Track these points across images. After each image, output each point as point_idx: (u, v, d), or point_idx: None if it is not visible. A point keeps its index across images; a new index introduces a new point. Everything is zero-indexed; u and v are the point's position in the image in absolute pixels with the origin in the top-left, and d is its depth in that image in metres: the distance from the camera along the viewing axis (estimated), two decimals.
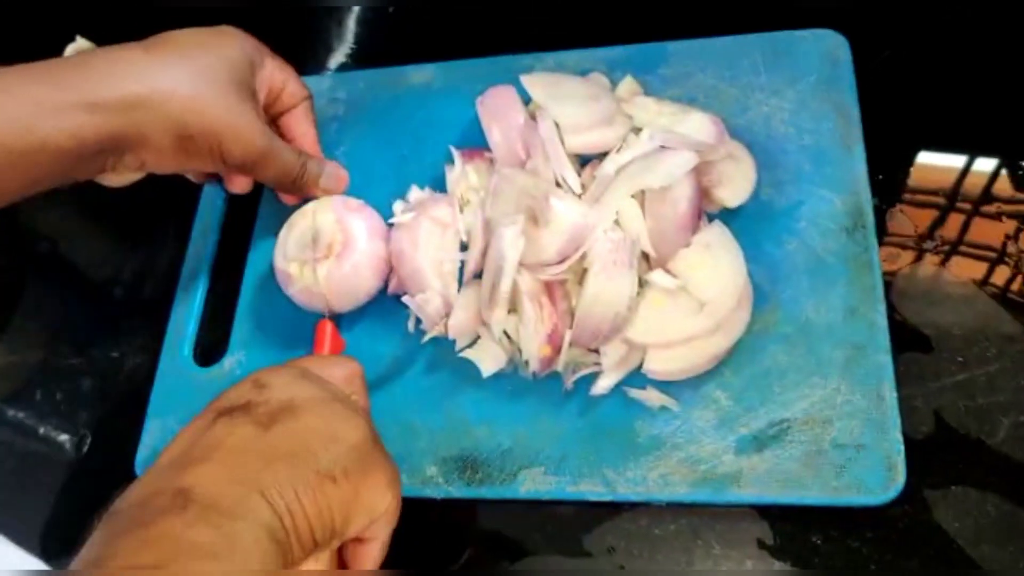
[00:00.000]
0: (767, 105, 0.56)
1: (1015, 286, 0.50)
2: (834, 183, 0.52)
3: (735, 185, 0.52)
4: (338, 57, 0.70)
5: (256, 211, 0.61)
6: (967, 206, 0.53)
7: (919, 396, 0.48)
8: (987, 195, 0.53)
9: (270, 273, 0.56)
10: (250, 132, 0.50)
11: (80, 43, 0.73)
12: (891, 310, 0.49)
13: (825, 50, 0.56)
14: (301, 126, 0.58)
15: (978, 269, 0.51)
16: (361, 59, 0.69)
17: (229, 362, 0.56)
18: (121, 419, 0.57)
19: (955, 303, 0.49)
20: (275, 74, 0.55)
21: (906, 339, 0.49)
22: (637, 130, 0.53)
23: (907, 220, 0.53)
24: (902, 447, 0.45)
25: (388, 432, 0.50)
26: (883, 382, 0.46)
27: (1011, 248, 0.51)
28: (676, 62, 0.59)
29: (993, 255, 0.51)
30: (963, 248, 0.52)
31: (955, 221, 0.53)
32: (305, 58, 0.70)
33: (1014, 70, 0.56)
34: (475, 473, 0.49)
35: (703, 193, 0.51)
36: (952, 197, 0.54)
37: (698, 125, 0.51)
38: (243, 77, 0.51)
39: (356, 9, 0.71)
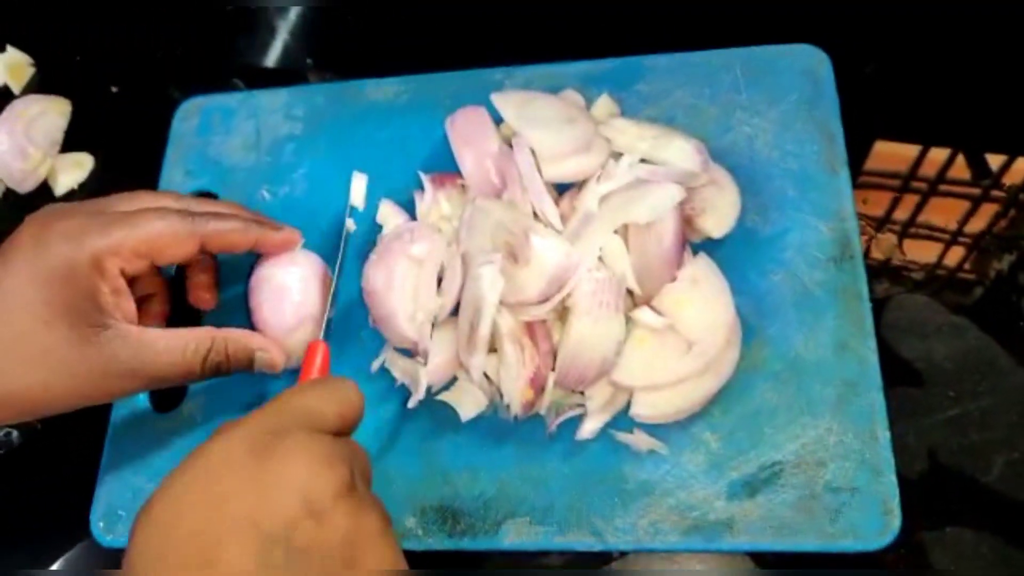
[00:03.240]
0: (749, 125, 0.53)
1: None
2: (820, 209, 0.50)
3: (719, 214, 0.50)
4: (296, 71, 0.65)
5: None
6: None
7: (911, 433, 0.47)
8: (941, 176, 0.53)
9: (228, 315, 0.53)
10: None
11: (12, 54, 0.68)
12: (880, 342, 0.48)
13: (806, 67, 0.54)
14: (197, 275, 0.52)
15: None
16: (319, 73, 0.65)
17: (188, 407, 0.53)
18: (74, 472, 0.53)
19: (945, 335, 0.48)
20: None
21: (896, 373, 0.48)
22: (616, 155, 0.50)
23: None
24: (897, 490, 0.44)
25: None
26: (876, 421, 0.45)
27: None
28: (653, 78, 0.56)
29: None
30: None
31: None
32: (258, 71, 0.66)
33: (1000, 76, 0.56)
34: (456, 524, 0.47)
35: (686, 222, 0.49)
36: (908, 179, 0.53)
37: (681, 152, 0.49)
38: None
39: (311, 18, 0.67)
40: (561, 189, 0.51)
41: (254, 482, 0.32)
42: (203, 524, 0.31)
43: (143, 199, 0.47)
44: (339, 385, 0.39)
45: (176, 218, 0.45)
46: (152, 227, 0.44)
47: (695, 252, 0.49)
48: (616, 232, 0.48)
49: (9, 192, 0.63)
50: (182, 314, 0.53)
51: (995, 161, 0.54)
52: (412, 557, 0.47)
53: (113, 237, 0.43)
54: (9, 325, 0.41)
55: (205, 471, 0.33)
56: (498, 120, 0.53)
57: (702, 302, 0.47)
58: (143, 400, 0.53)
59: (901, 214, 0.54)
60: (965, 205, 0.53)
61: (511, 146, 0.51)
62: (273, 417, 0.35)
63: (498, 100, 0.53)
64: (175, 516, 0.32)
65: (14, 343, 0.41)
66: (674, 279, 0.47)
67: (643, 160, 0.49)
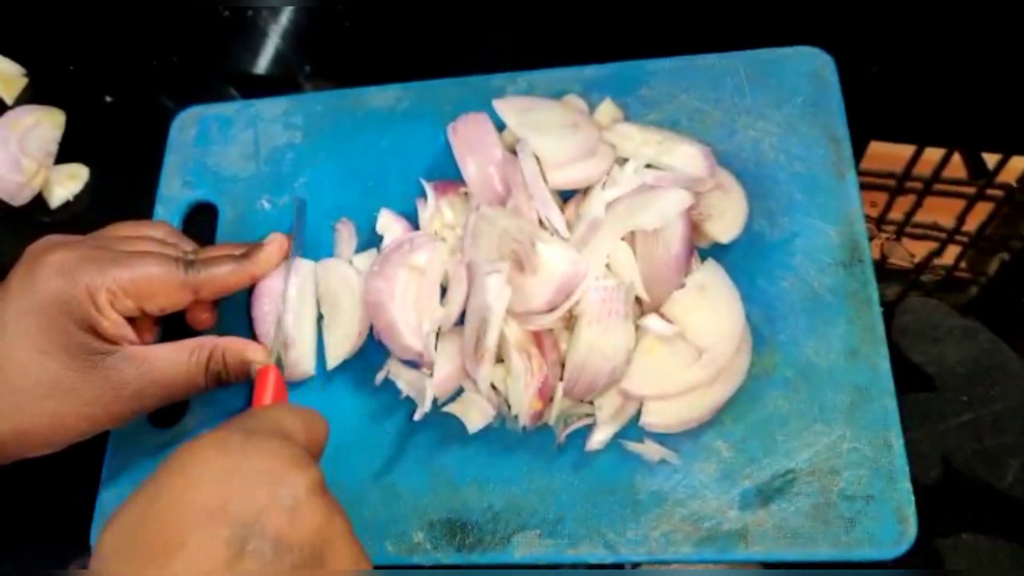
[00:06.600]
0: (754, 129, 0.53)
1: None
2: (828, 213, 0.50)
3: (727, 219, 0.49)
4: (292, 78, 0.65)
5: None
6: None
7: (925, 439, 0.46)
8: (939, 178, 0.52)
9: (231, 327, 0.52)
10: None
11: (4, 64, 0.67)
12: (890, 347, 0.47)
13: (811, 69, 0.54)
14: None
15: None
16: (318, 80, 0.64)
17: (190, 421, 0.52)
18: (73, 488, 0.52)
19: (956, 338, 0.48)
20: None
21: (908, 378, 0.47)
22: (621, 160, 0.50)
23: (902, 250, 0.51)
24: (912, 497, 0.43)
25: (368, 496, 0.48)
26: (889, 428, 0.45)
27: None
28: (656, 82, 0.55)
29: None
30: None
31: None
32: (256, 80, 0.65)
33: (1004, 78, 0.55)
34: (465, 538, 0.46)
35: (693, 228, 0.48)
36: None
37: (687, 157, 0.49)
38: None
39: (305, 25, 0.66)
40: (566, 196, 0.50)
41: (225, 473, 0.32)
42: (172, 513, 0.31)
43: (144, 243, 0.47)
44: (305, 409, 0.39)
45: (172, 265, 0.46)
46: (147, 270, 0.45)
47: (703, 258, 0.49)
48: (623, 239, 0.47)
49: (3, 205, 0.62)
50: (181, 334, 0.52)
51: (991, 160, 0.54)
52: (421, 573, 0.46)
53: (107, 274, 0.43)
54: (10, 359, 0.42)
55: (175, 470, 0.33)
56: (500, 127, 0.53)
57: (711, 309, 0.46)
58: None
59: (896, 214, 0.53)
60: (961, 204, 0.53)
61: (514, 153, 0.50)
62: (244, 422, 0.36)
63: (500, 106, 0.52)
64: (145, 511, 0.32)
65: (20, 377, 0.41)
66: (683, 286, 0.47)
67: (648, 165, 0.49)
